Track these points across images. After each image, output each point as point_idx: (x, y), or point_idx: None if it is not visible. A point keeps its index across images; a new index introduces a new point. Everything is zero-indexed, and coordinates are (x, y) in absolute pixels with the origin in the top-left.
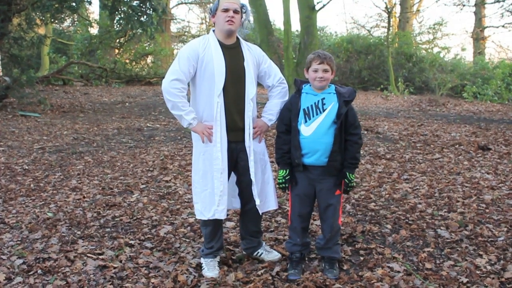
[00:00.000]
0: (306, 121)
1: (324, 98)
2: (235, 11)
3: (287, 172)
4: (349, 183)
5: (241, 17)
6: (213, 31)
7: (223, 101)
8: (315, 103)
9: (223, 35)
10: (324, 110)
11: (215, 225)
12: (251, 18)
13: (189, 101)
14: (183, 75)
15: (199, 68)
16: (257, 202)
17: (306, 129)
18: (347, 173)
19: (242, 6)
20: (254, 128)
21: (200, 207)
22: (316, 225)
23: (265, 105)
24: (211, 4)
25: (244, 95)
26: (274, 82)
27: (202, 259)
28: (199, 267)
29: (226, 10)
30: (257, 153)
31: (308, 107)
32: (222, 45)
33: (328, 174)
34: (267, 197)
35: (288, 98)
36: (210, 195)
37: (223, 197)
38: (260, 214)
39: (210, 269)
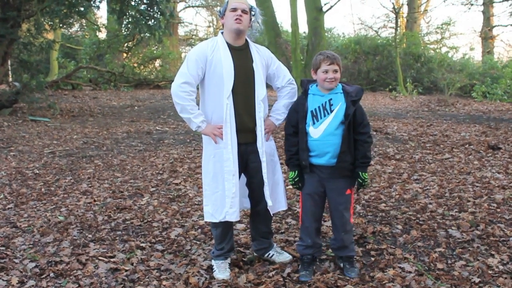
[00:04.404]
0: (314, 123)
1: (331, 99)
2: (244, 11)
3: (296, 173)
4: (362, 182)
5: (250, 19)
6: (222, 33)
7: (233, 103)
8: (322, 104)
9: (232, 36)
10: (331, 111)
11: (225, 226)
12: (260, 20)
13: (198, 104)
14: (192, 78)
15: (208, 70)
16: (269, 203)
17: (315, 131)
18: (360, 173)
19: (251, 7)
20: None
21: (211, 210)
22: (327, 226)
23: (273, 105)
24: (219, 7)
25: (254, 96)
26: (283, 83)
27: (212, 261)
28: (210, 269)
29: (234, 10)
30: (267, 154)
31: (315, 109)
32: (230, 47)
33: (338, 174)
34: (277, 198)
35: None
36: (221, 197)
37: (235, 199)
38: (272, 215)
39: (221, 271)
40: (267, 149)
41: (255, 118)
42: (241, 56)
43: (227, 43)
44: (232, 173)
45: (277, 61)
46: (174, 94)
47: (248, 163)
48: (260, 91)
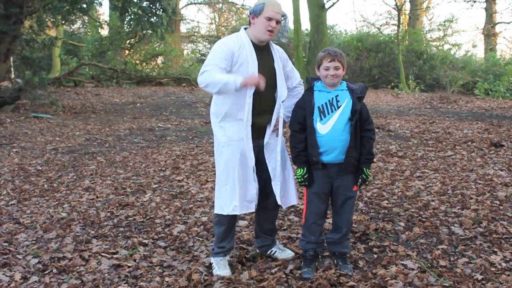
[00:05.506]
0: (321, 119)
1: (337, 95)
2: (278, 22)
3: (305, 170)
4: (366, 178)
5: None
6: (245, 29)
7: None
8: (329, 100)
9: (258, 39)
10: (338, 107)
11: (228, 225)
12: (288, 28)
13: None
14: (216, 68)
15: (233, 67)
16: (279, 201)
17: (323, 127)
18: (364, 169)
19: (283, 15)
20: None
21: (221, 202)
22: (328, 223)
23: (283, 103)
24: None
25: (274, 96)
26: (295, 84)
27: (212, 258)
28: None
29: (270, 19)
30: (276, 148)
31: (322, 105)
32: (255, 45)
33: (346, 170)
34: (288, 192)
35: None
36: (231, 190)
37: (243, 192)
38: (284, 208)
39: (221, 268)
40: (278, 145)
41: (271, 117)
42: (264, 56)
43: (251, 41)
44: (251, 170)
45: (290, 63)
46: (201, 83)
47: (259, 157)
48: (283, 92)
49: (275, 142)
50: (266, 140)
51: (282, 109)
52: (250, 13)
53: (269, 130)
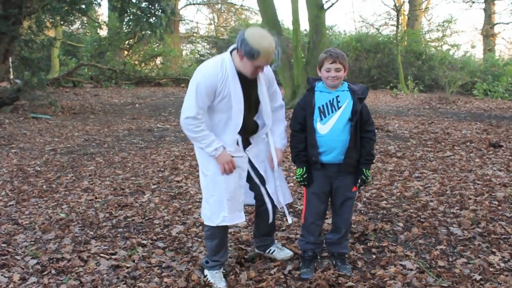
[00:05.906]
0: (321, 119)
1: (338, 96)
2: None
3: (304, 170)
4: (365, 179)
5: None
6: (230, 52)
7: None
8: (329, 101)
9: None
10: (339, 108)
11: (221, 237)
12: (279, 55)
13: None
14: (201, 110)
15: (216, 99)
16: (281, 200)
17: (323, 128)
18: (364, 170)
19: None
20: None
21: (209, 213)
22: (327, 223)
23: (272, 129)
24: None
25: (257, 122)
26: (276, 105)
27: (206, 271)
28: None
29: (259, 67)
30: (263, 151)
31: (323, 105)
32: (239, 73)
33: (345, 171)
34: (282, 191)
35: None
36: (219, 199)
37: (232, 203)
38: (279, 209)
39: (217, 281)
40: (265, 152)
41: (255, 134)
42: (248, 85)
43: (236, 69)
44: (238, 175)
45: (275, 83)
46: (183, 127)
47: (251, 164)
48: (268, 121)
49: (258, 147)
50: (249, 148)
51: (271, 137)
52: (240, 49)
53: (252, 141)
